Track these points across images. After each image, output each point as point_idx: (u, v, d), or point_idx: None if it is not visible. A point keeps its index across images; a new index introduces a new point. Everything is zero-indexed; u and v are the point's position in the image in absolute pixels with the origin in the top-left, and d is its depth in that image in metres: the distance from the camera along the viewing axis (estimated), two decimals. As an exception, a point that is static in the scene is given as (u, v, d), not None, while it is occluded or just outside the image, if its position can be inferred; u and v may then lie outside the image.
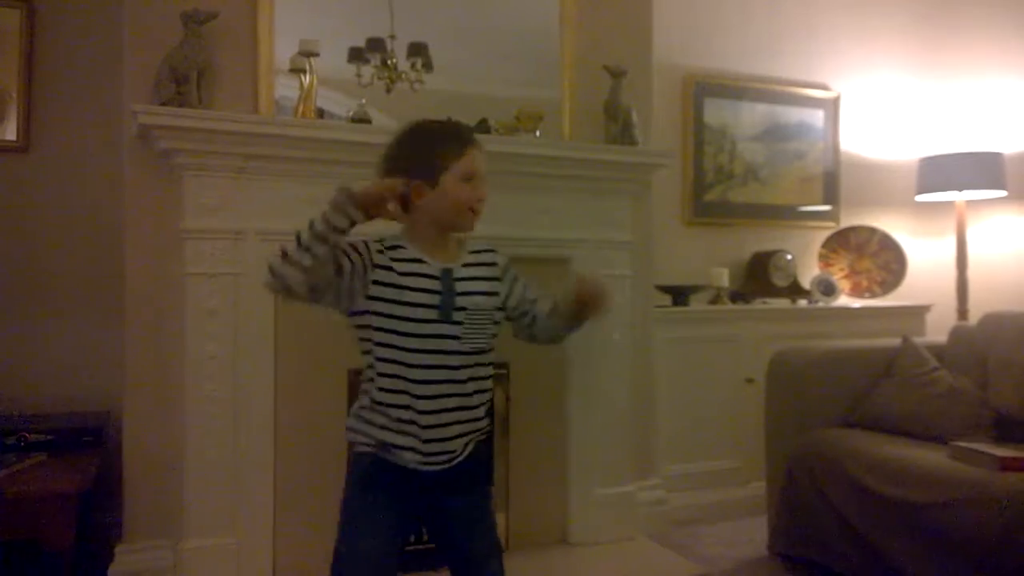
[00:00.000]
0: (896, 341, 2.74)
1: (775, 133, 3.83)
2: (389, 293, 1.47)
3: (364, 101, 2.51)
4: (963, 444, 2.19)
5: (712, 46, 3.70)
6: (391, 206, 1.45)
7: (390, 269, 1.48)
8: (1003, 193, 3.74)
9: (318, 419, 2.44)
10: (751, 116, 3.77)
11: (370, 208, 1.41)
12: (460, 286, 1.53)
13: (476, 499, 1.61)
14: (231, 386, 2.31)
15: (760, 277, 3.65)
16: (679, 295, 3.38)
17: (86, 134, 2.63)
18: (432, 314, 1.48)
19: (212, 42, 2.31)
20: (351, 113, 2.48)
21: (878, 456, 2.29)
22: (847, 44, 4.01)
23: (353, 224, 1.39)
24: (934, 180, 3.78)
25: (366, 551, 1.48)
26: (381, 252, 1.50)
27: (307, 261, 1.34)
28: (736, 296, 3.59)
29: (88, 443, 2.28)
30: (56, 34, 2.63)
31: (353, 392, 2.48)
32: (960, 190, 3.72)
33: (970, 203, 3.87)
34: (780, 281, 3.65)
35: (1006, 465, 2.02)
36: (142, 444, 2.29)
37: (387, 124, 2.56)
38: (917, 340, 2.78)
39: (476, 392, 1.54)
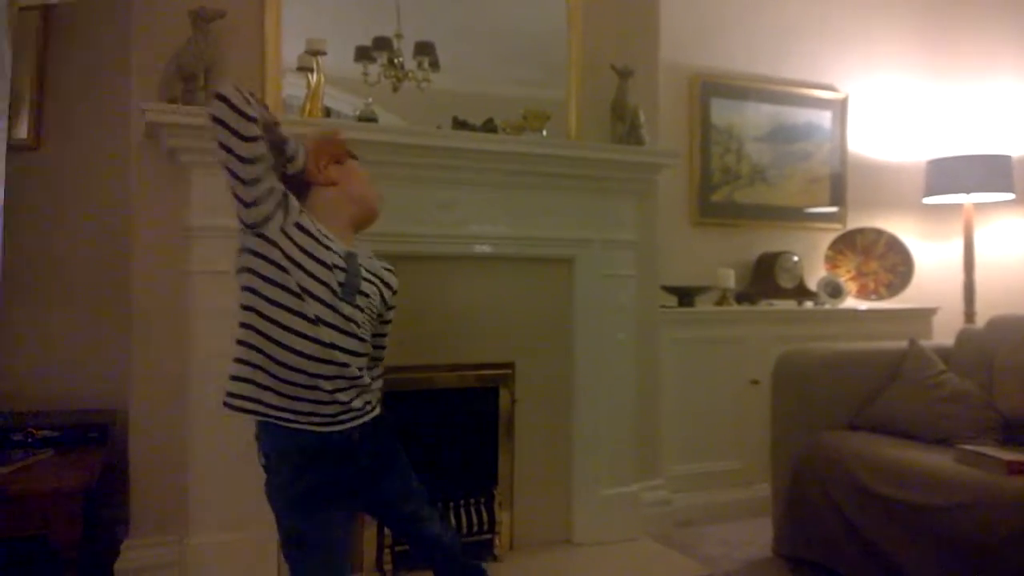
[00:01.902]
0: (903, 344, 2.73)
1: (782, 134, 3.82)
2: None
3: (371, 100, 2.52)
4: (969, 448, 2.19)
5: (719, 46, 3.69)
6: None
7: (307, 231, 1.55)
8: (1011, 196, 3.73)
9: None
10: (757, 116, 3.76)
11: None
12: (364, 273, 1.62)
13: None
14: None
15: (766, 278, 3.65)
16: (685, 296, 3.38)
17: (96, 133, 2.63)
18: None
19: (220, 40, 2.32)
20: (358, 112, 2.48)
21: (884, 459, 2.28)
22: (855, 45, 4.00)
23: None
24: (942, 182, 3.76)
25: None
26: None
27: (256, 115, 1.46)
28: (742, 297, 3.58)
29: (94, 440, 2.29)
30: (69, 33, 2.64)
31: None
32: (968, 192, 3.71)
33: (978, 206, 3.85)
34: (786, 282, 3.64)
35: (1012, 469, 2.01)
36: (148, 441, 2.30)
37: (394, 123, 2.57)
38: (924, 343, 2.77)
39: None
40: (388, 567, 2.47)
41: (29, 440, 2.18)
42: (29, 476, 1.98)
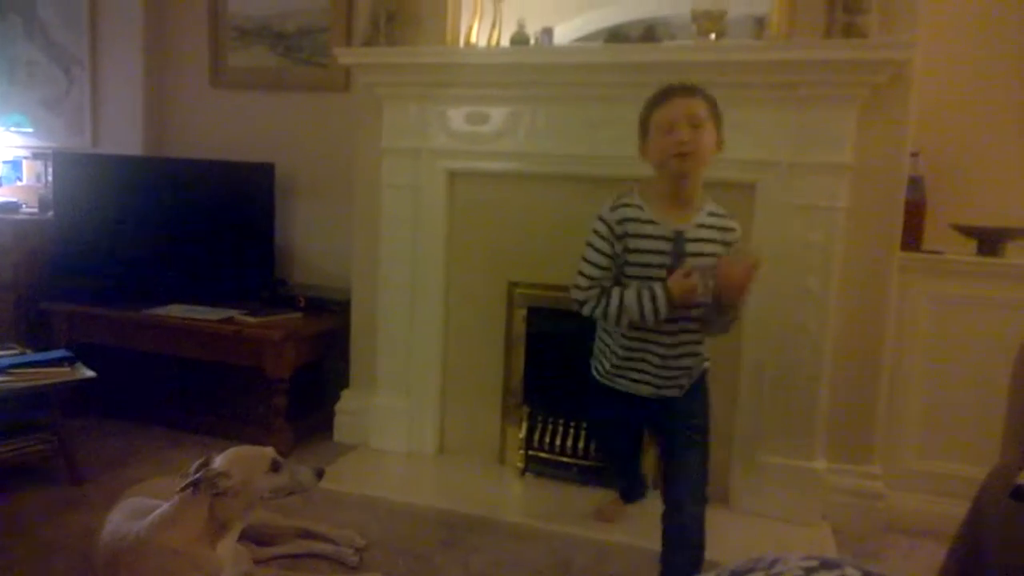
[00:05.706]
0: None
1: None
2: (631, 258, 1.82)
3: (523, 19, 2.54)
4: None
5: None
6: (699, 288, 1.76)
7: (624, 237, 1.82)
8: None
9: (480, 315, 2.76)
10: None
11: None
12: (690, 247, 1.80)
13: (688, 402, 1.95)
14: (409, 279, 2.79)
15: None
16: (988, 240, 2.47)
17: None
18: (662, 273, 1.78)
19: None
20: (511, 34, 2.55)
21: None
22: None
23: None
24: None
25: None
26: (621, 225, 1.82)
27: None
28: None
29: (333, 312, 3.01)
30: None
31: (511, 300, 2.70)
32: None
33: None
34: None
35: None
36: (360, 316, 2.93)
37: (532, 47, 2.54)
38: None
39: (684, 339, 1.88)
40: (519, 465, 2.68)
41: (290, 303, 3.02)
42: (264, 326, 2.79)
